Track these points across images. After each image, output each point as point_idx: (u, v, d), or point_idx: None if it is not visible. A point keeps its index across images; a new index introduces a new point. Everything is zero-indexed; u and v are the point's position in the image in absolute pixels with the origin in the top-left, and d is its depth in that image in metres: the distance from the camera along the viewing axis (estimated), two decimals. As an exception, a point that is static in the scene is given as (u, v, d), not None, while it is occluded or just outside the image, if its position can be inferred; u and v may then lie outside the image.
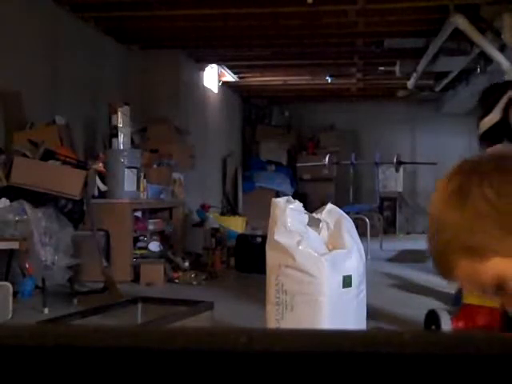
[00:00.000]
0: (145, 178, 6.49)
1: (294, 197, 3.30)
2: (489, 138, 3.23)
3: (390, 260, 7.71)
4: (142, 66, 8.08)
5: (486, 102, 3.33)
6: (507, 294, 0.93)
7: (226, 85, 10.54)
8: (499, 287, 0.93)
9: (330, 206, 3.33)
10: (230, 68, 9.68)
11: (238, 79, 10.28)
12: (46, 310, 4.29)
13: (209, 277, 6.00)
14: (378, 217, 9.65)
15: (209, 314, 3.59)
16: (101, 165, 5.99)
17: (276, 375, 0.43)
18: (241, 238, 6.99)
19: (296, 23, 7.08)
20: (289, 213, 3.09)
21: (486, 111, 3.28)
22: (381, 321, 3.97)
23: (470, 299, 3.35)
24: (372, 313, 3.71)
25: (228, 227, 7.93)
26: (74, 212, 4.95)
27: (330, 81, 10.24)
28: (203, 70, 9.37)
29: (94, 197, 5.55)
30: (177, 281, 5.80)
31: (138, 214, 6.49)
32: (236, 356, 0.43)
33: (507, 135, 3.20)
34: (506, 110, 3.18)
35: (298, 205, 3.15)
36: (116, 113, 6.14)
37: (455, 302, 3.67)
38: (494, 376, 0.43)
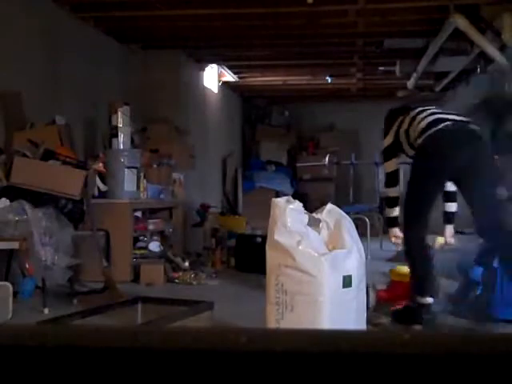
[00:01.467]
0: (145, 177, 6.48)
1: (294, 197, 3.30)
2: (388, 154, 4.16)
3: (390, 260, 7.70)
4: (142, 66, 8.08)
5: (386, 125, 4.16)
6: None
7: (225, 85, 10.53)
8: None
9: (329, 206, 3.33)
10: (230, 68, 9.68)
11: (237, 79, 10.27)
12: (46, 310, 4.29)
13: (209, 277, 6.00)
14: (378, 217, 9.63)
15: (209, 314, 3.58)
16: (101, 165, 5.98)
17: (276, 375, 0.43)
18: (241, 237, 6.98)
19: (296, 23, 7.08)
20: (289, 213, 3.08)
21: (385, 133, 4.14)
22: (381, 320, 3.97)
23: (394, 277, 4.59)
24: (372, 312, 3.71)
25: (228, 227, 7.93)
26: (74, 212, 4.95)
27: (330, 81, 10.24)
28: (203, 70, 9.36)
29: (94, 197, 5.55)
30: (177, 281, 5.80)
31: (138, 214, 6.49)
32: (236, 356, 0.43)
33: (400, 151, 4.11)
34: (396, 133, 4.04)
35: (297, 205, 3.15)
36: (116, 113, 6.14)
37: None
38: (494, 376, 0.43)
